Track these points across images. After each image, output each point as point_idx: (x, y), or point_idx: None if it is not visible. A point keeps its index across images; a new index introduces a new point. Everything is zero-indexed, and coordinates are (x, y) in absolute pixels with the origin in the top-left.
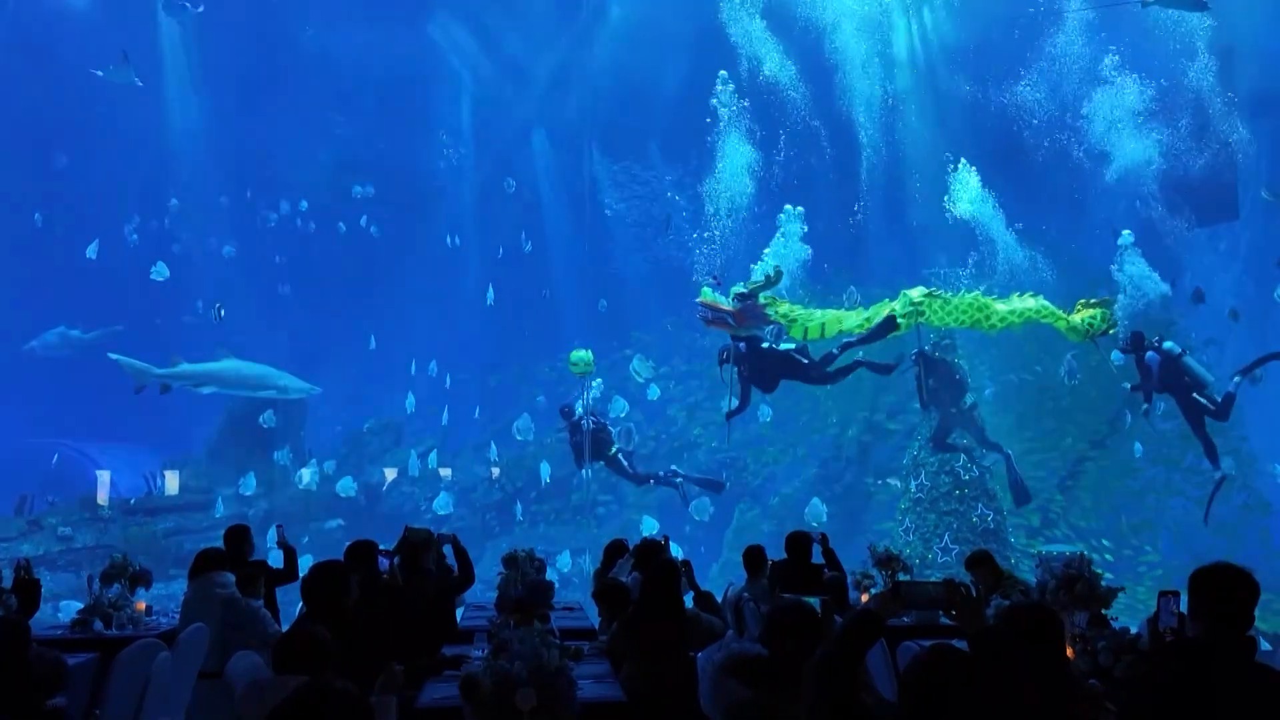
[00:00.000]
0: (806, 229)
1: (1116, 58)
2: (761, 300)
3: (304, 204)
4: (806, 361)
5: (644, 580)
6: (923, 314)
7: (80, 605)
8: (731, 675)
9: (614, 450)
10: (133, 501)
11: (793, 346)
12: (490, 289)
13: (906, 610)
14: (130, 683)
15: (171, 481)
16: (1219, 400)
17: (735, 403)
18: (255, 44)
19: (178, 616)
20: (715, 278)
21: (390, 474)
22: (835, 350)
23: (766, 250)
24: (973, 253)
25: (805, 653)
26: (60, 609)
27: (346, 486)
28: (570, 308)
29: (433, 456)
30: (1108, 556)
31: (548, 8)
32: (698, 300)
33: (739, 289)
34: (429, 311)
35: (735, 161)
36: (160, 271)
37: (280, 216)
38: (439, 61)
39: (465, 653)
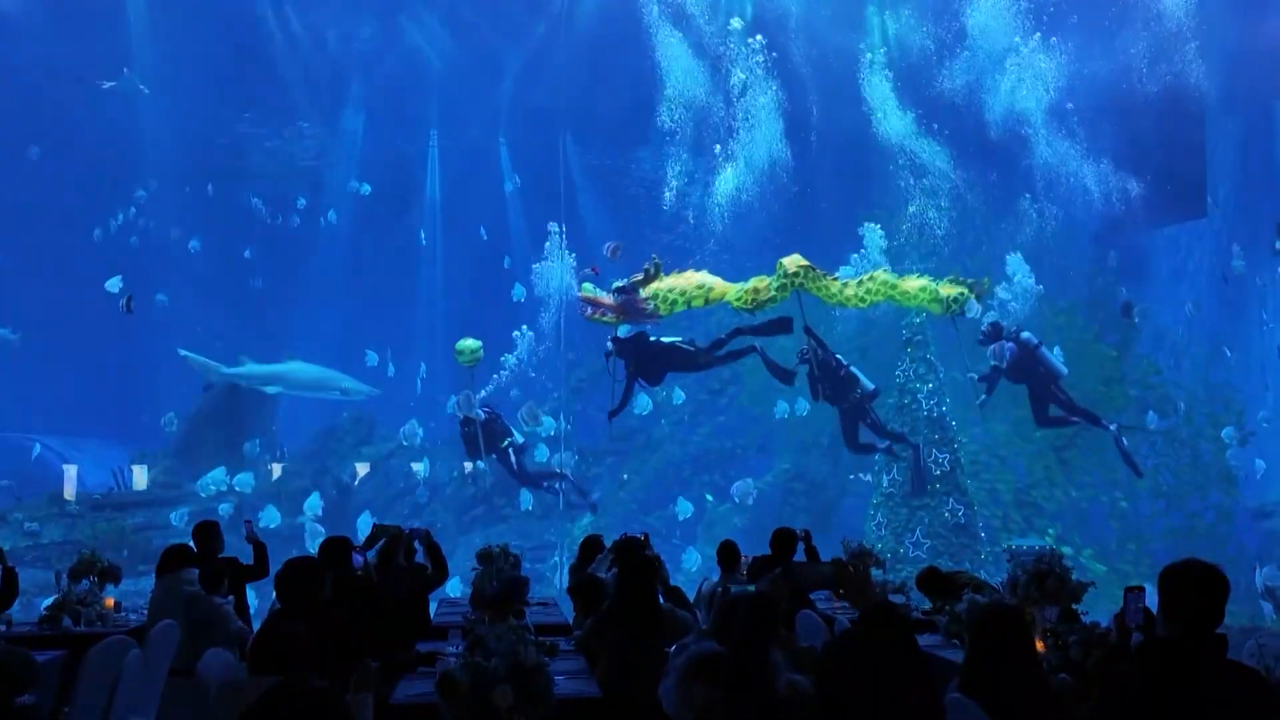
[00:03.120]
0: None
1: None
2: (643, 295)
3: (302, 201)
4: (692, 349)
5: (619, 577)
6: (802, 284)
7: (48, 601)
8: (696, 678)
9: (505, 444)
10: (99, 496)
11: (677, 340)
12: (519, 286)
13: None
14: (100, 680)
15: (139, 476)
16: (1076, 404)
17: (617, 405)
18: (222, 33)
19: (146, 613)
20: (594, 270)
21: (362, 469)
22: (724, 336)
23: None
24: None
25: (763, 642)
26: (29, 605)
27: (244, 481)
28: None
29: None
30: (1082, 556)
31: None
32: (578, 295)
33: (618, 284)
34: (407, 305)
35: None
36: (114, 284)
37: (250, 210)
38: (412, 52)
39: (440, 649)
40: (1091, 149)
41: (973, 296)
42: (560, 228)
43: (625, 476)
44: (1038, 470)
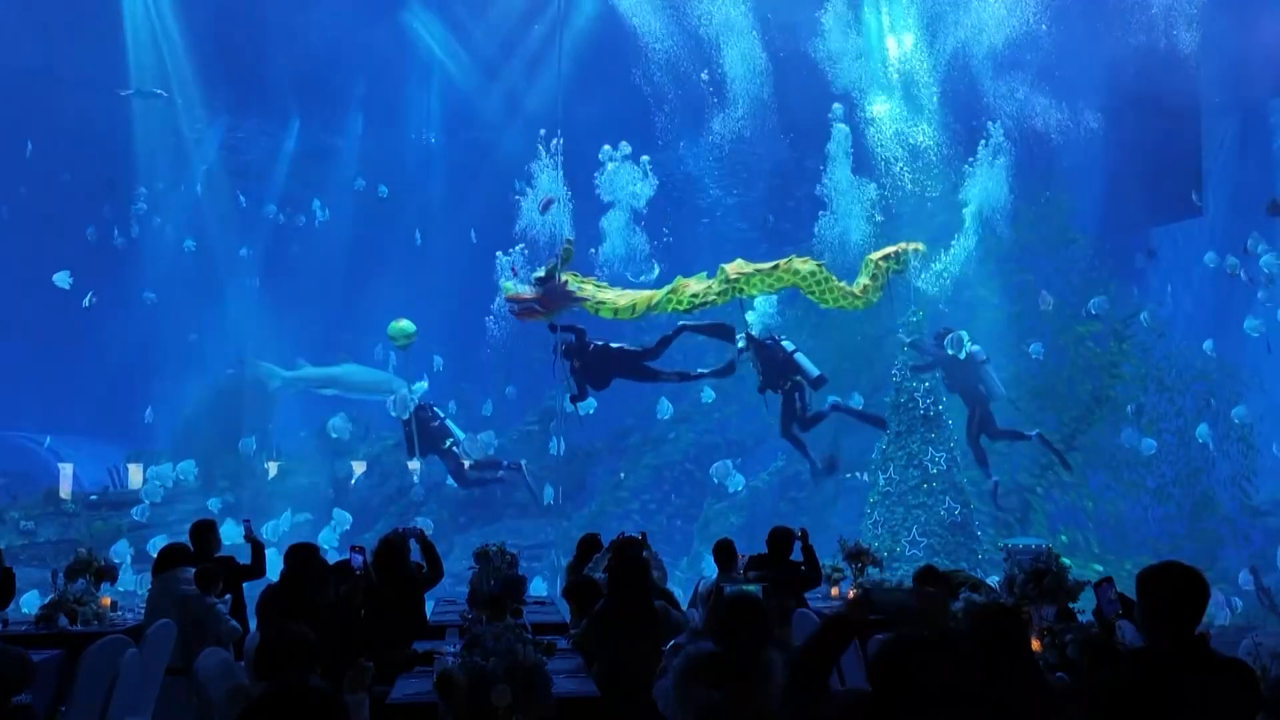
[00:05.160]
0: None
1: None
2: (563, 278)
3: (316, 203)
4: (638, 349)
5: (611, 576)
6: (740, 290)
7: (29, 596)
8: (696, 679)
9: (448, 444)
10: (94, 495)
11: (624, 344)
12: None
13: (876, 615)
14: (97, 679)
15: (135, 475)
16: (990, 431)
17: (575, 391)
18: (222, 30)
19: (143, 612)
20: (513, 269)
21: (359, 467)
22: (670, 334)
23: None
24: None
25: (759, 642)
26: (24, 604)
27: (186, 469)
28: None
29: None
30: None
31: None
32: (503, 296)
33: (537, 274)
34: (401, 304)
35: None
36: (62, 279)
37: (244, 209)
38: (412, 51)
39: (438, 648)
40: (1088, 148)
41: (909, 252)
42: (556, 140)
43: (622, 475)
44: (1037, 468)
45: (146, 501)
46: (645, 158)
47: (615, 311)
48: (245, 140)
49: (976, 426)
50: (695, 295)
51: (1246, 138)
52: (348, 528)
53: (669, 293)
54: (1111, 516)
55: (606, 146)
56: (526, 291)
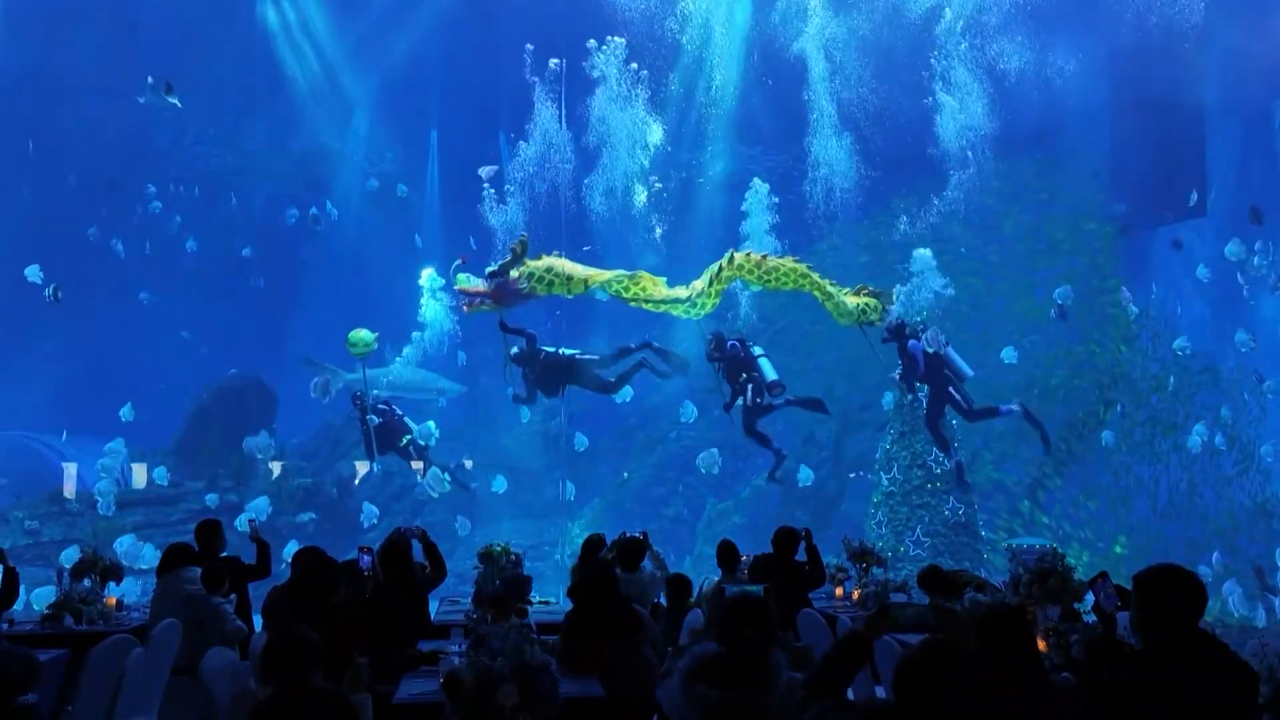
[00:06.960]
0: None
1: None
2: (514, 275)
3: (329, 203)
4: (593, 358)
5: (579, 582)
6: (735, 275)
7: (50, 599)
8: (700, 680)
9: (404, 441)
10: (99, 495)
11: (577, 352)
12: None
13: (894, 632)
14: (103, 679)
15: (139, 475)
16: (975, 405)
17: (523, 395)
18: (225, 30)
19: (148, 612)
20: (464, 258)
21: (361, 467)
22: (633, 345)
23: None
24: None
25: (763, 642)
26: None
27: (115, 449)
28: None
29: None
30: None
31: None
32: (455, 288)
33: (490, 268)
34: (402, 303)
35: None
36: (33, 272)
37: (243, 209)
38: (412, 52)
39: (442, 648)
40: (1087, 148)
41: (884, 306)
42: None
43: (626, 475)
44: (1045, 467)
45: (101, 499)
46: (635, 66)
47: (569, 288)
48: (247, 140)
49: (963, 404)
50: (642, 287)
51: (1250, 140)
52: (375, 522)
53: (628, 280)
54: (1110, 516)
55: (591, 41)
56: (479, 285)
